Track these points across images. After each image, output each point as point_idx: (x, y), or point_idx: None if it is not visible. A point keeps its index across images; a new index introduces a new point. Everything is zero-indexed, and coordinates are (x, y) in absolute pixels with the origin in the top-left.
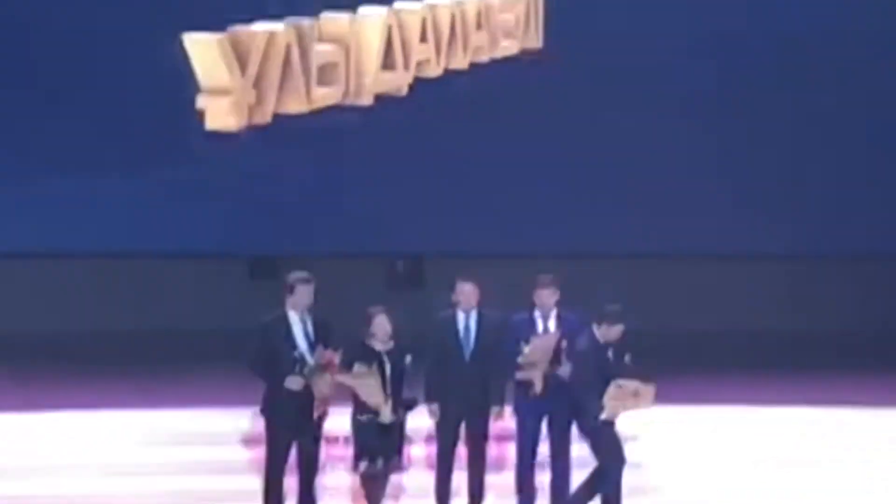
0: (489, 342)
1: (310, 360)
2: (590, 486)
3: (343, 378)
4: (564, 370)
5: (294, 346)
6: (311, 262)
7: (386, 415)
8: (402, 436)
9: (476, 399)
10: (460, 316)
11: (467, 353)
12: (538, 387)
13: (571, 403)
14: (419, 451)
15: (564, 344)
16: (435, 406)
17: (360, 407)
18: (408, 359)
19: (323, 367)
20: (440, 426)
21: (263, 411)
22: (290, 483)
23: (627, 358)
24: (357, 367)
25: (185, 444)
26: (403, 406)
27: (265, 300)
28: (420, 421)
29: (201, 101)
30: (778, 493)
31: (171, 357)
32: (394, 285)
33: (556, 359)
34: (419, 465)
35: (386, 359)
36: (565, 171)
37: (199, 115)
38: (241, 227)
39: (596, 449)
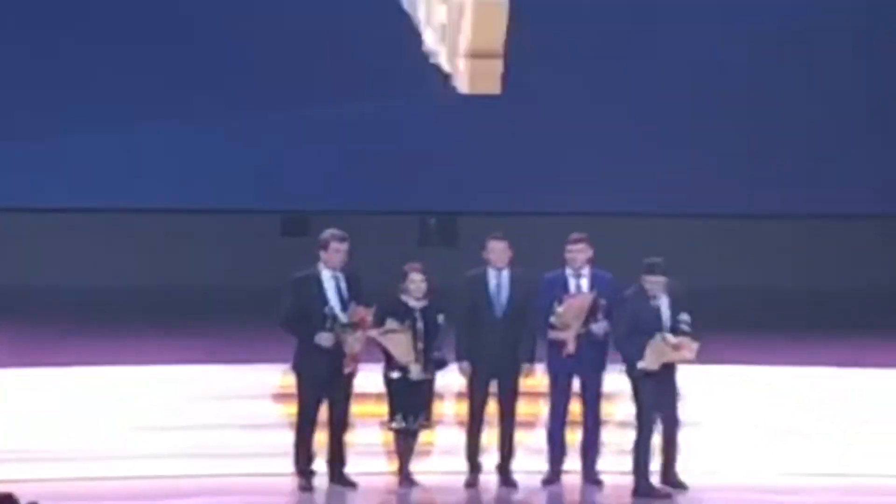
0: (521, 301)
1: (341, 316)
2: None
3: (374, 333)
4: (599, 328)
5: (325, 302)
6: (343, 219)
7: (416, 372)
8: (432, 393)
9: (507, 357)
10: (491, 274)
11: (499, 312)
12: (571, 346)
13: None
14: (449, 409)
15: (602, 301)
16: (466, 364)
17: (391, 363)
18: (440, 317)
19: (354, 324)
20: (471, 384)
21: (294, 368)
22: (321, 439)
23: (685, 317)
24: (389, 323)
25: (218, 399)
26: (434, 364)
27: (297, 257)
28: (450, 378)
29: (459, 63)
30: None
31: (202, 312)
32: (426, 242)
33: (590, 317)
34: (449, 423)
35: (419, 316)
36: (600, 128)
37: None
38: (274, 182)
39: (635, 399)
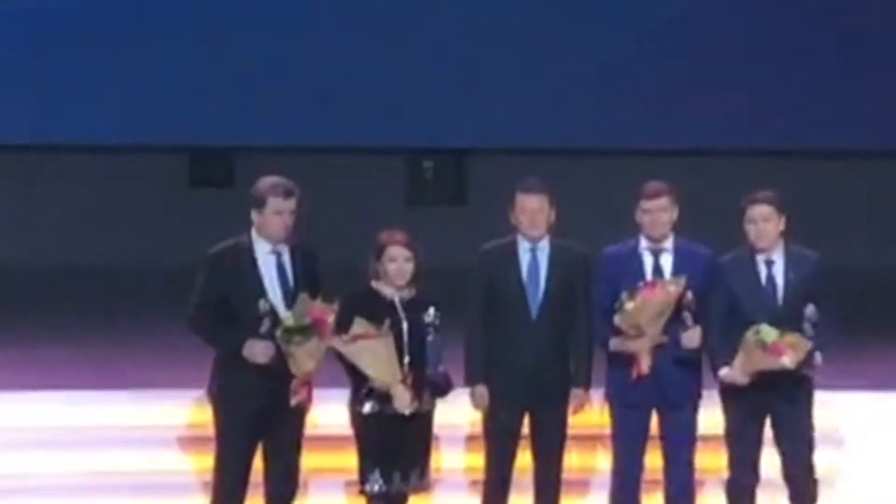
0: (568, 290)
1: (286, 316)
2: None
3: (337, 342)
4: (690, 337)
5: (261, 293)
6: (287, 160)
7: (403, 402)
8: (429, 436)
9: (547, 377)
10: (523, 248)
11: (534, 307)
12: (645, 364)
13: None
14: (456, 461)
15: (690, 296)
16: (482, 389)
17: (362, 389)
18: (431, 313)
19: (306, 328)
20: (490, 420)
21: (211, 395)
22: None
23: (811, 311)
24: (358, 325)
25: (85, 447)
26: (430, 388)
27: (214, 219)
28: (457, 413)
29: None
30: None
31: (61, 305)
32: (418, 197)
33: (676, 318)
34: (456, 483)
35: (403, 313)
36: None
37: None
38: (179, 108)
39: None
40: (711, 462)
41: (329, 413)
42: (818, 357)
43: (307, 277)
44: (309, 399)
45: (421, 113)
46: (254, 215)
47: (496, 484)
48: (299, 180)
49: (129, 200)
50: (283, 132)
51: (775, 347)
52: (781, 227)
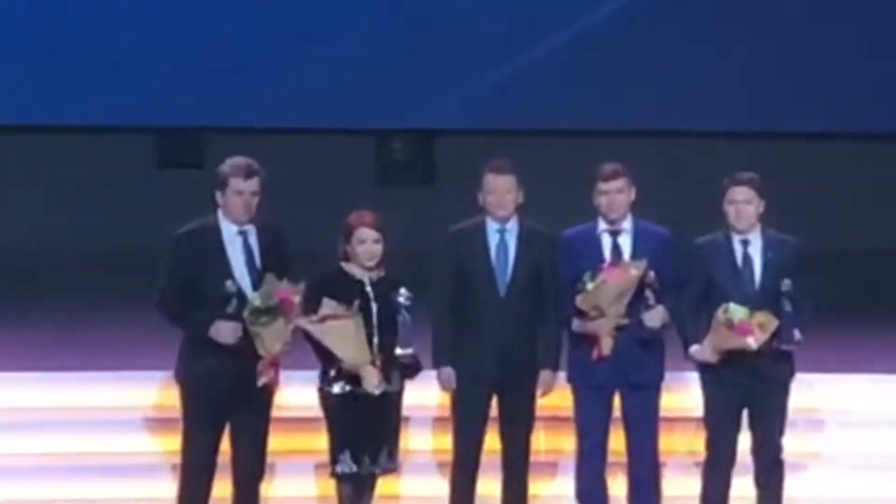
0: (536, 271)
1: (253, 297)
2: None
3: (304, 323)
4: (653, 317)
5: (227, 273)
6: (260, 142)
7: (372, 382)
8: (398, 417)
9: (515, 359)
10: (492, 228)
11: (502, 288)
12: (605, 346)
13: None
14: (425, 442)
15: (652, 276)
16: (449, 371)
17: (331, 370)
18: (403, 294)
19: (273, 309)
20: (459, 402)
21: (178, 376)
22: (222, 491)
23: (787, 285)
24: (326, 306)
25: (54, 429)
26: (399, 369)
27: (182, 201)
28: (427, 394)
29: None
30: None
31: (28, 288)
32: (388, 178)
33: (637, 298)
34: (426, 465)
35: (372, 293)
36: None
37: None
38: (145, 87)
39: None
40: (678, 444)
41: (298, 395)
42: (797, 334)
43: (274, 258)
44: (276, 380)
45: (390, 93)
46: (217, 196)
47: (465, 465)
48: (269, 161)
49: (97, 182)
50: (252, 113)
51: (742, 326)
52: (760, 209)
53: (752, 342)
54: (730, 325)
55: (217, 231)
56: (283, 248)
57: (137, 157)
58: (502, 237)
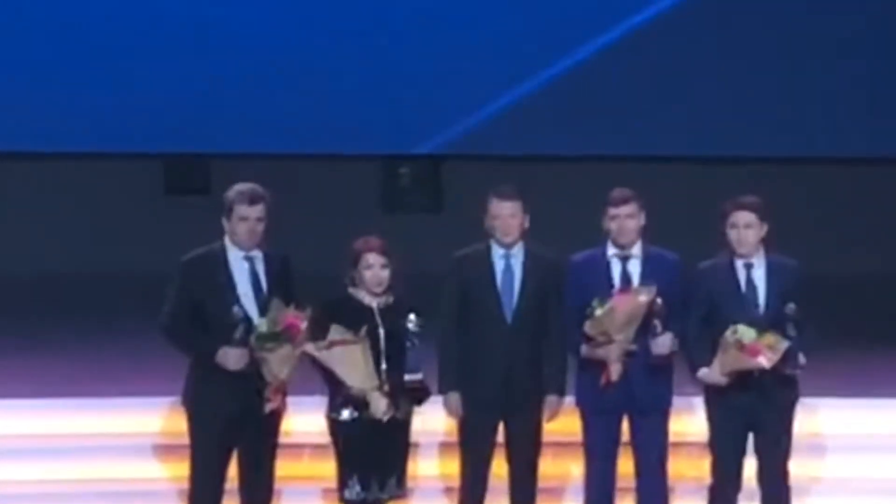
0: (542, 296)
1: (259, 323)
2: None
3: (312, 349)
4: (661, 343)
5: (234, 299)
6: (267, 167)
7: (380, 408)
8: (406, 443)
9: (522, 384)
10: (497, 254)
11: (509, 313)
12: (614, 372)
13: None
14: (432, 468)
15: (659, 303)
16: (455, 396)
17: (339, 397)
18: (412, 320)
19: (279, 334)
20: (465, 428)
21: (185, 402)
22: None
23: (791, 308)
24: (335, 332)
25: (59, 456)
26: (408, 394)
27: (190, 227)
28: (434, 420)
29: None
30: None
31: (30, 314)
32: (394, 204)
33: (647, 324)
34: (433, 490)
35: (380, 319)
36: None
37: None
38: (154, 114)
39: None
40: (685, 469)
41: (306, 421)
42: (801, 358)
43: (280, 284)
44: (283, 406)
45: (397, 120)
46: (224, 222)
47: (472, 490)
48: (275, 187)
49: (105, 208)
50: (259, 139)
51: (752, 347)
52: (763, 234)
53: (765, 361)
54: (740, 346)
55: (224, 257)
56: (289, 274)
57: (145, 183)
58: (507, 262)
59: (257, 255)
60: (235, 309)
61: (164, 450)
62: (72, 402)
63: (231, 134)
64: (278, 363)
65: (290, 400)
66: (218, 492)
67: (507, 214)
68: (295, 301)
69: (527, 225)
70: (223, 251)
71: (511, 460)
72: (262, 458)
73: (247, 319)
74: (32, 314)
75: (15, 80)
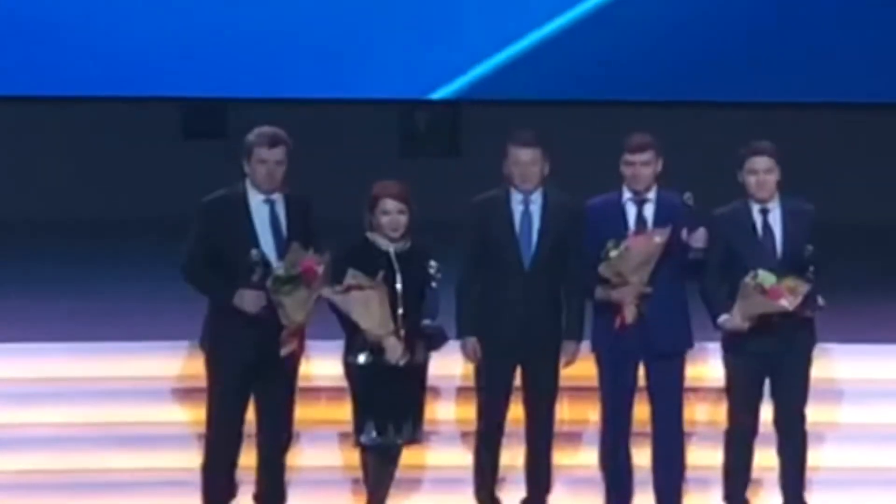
0: (561, 242)
1: (277, 266)
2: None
3: (329, 293)
4: (698, 237)
5: (253, 242)
6: (284, 112)
7: (395, 353)
8: (423, 388)
9: (539, 330)
10: (515, 199)
11: (527, 259)
12: (629, 314)
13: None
14: (449, 413)
15: (685, 233)
16: (473, 341)
17: (355, 341)
18: (432, 266)
19: (296, 278)
20: (483, 373)
21: (203, 345)
22: (248, 461)
23: (810, 251)
24: (352, 276)
25: (78, 401)
26: (424, 340)
27: (207, 171)
28: (451, 365)
29: None
30: None
31: (50, 256)
32: (412, 149)
33: (660, 268)
34: (450, 436)
35: (397, 265)
36: None
37: None
38: (171, 59)
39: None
40: (701, 414)
41: (324, 365)
42: (820, 299)
43: (300, 228)
44: (300, 349)
45: (414, 65)
46: (244, 165)
47: (488, 436)
48: (292, 131)
49: (123, 152)
50: (276, 84)
51: (774, 290)
52: (778, 178)
53: (787, 304)
54: (762, 290)
55: (244, 199)
56: (310, 218)
57: (163, 128)
58: (526, 208)
59: (277, 198)
60: (254, 252)
61: (183, 393)
62: (90, 346)
63: (248, 79)
64: (294, 307)
65: (309, 344)
66: (236, 434)
67: (527, 161)
68: (314, 244)
69: (546, 171)
70: (244, 194)
71: (528, 406)
72: (280, 402)
73: (264, 262)
74: (52, 258)
75: (33, 24)
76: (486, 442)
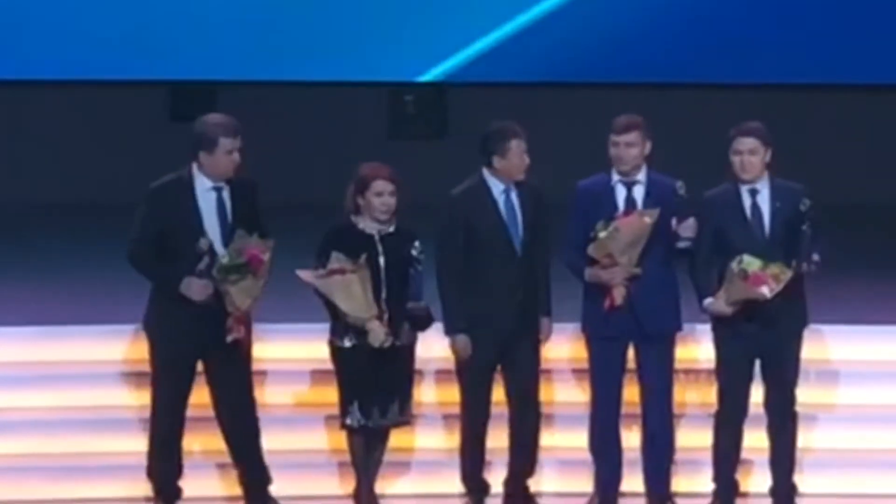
0: (540, 227)
1: (221, 253)
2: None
3: (309, 278)
4: (688, 227)
5: (199, 229)
6: (272, 95)
7: (378, 337)
8: (410, 370)
9: (528, 313)
10: (497, 189)
11: (518, 245)
12: (618, 295)
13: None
14: (436, 394)
15: (675, 223)
16: (464, 338)
17: (340, 324)
18: (416, 247)
19: (241, 266)
20: (472, 362)
21: (148, 328)
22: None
23: (805, 204)
24: (335, 260)
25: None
26: (410, 322)
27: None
28: (436, 346)
29: None
30: None
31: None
32: (400, 131)
33: (650, 248)
34: (436, 417)
35: (381, 248)
36: None
37: None
38: (160, 41)
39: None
40: (691, 396)
41: (308, 347)
42: (816, 256)
43: (246, 213)
44: (247, 336)
45: (402, 47)
46: (202, 155)
47: (475, 417)
48: (280, 114)
49: (110, 135)
50: (265, 66)
51: (756, 277)
52: (767, 159)
53: (767, 291)
54: (744, 276)
55: (191, 186)
56: (255, 203)
57: (151, 110)
58: (508, 196)
59: (224, 184)
60: (202, 241)
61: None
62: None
63: (237, 61)
64: (240, 295)
65: (293, 327)
66: (179, 418)
67: (516, 150)
68: (260, 229)
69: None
70: (191, 180)
71: (513, 386)
72: (234, 384)
73: (212, 251)
74: (34, 241)
75: (22, 7)
76: (474, 423)
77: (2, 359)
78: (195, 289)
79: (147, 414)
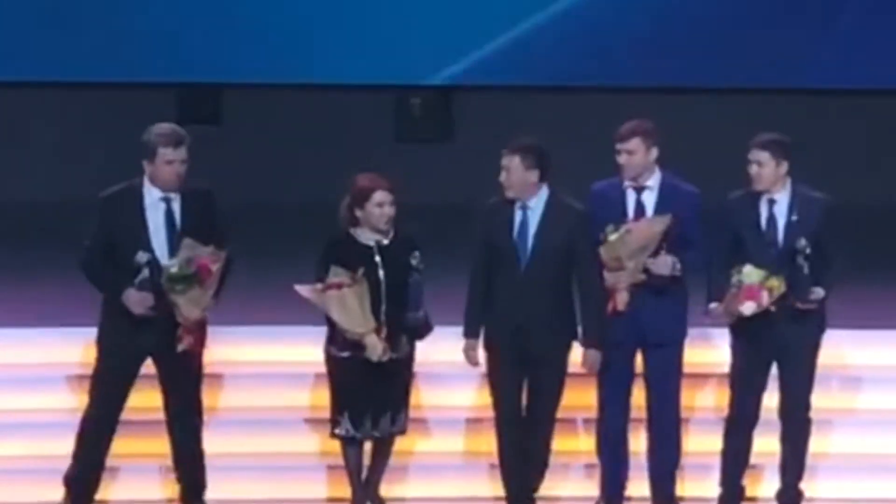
0: (564, 246)
1: (169, 262)
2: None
3: (306, 292)
4: (660, 264)
5: (144, 239)
6: (278, 97)
7: (375, 352)
8: (406, 381)
9: (538, 334)
10: (517, 204)
11: (523, 263)
12: (620, 300)
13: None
14: (440, 400)
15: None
16: (473, 342)
17: (337, 335)
18: (415, 256)
19: (190, 276)
20: (493, 374)
21: (98, 335)
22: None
23: (802, 244)
24: (334, 273)
25: None
26: (409, 332)
27: (202, 157)
28: (440, 352)
29: None
30: None
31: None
32: (406, 134)
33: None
34: (437, 420)
35: (379, 259)
36: None
37: None
38: (167, 45)
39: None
40: (701, 401)
41: (304, 352)
42: (818, 291)
43: (196, 224)
44: (200, 344)
45: (409, 50)
46: (145, 164)
47: (508, 421)
48: (286, 117)
49: (117, 138)
50: (271, 69)
51: (748, 290)
52: (783, 170)
53: (749, 309)
54: (738, 286)
55: (140, 196)
56: (213, 212)
57: (157, 113)
58: (524, 213)
59: (175, 195)
60: (140, 254)
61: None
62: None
63: (243, 64)
64: (188, 305)
65: (293, 328)
66: (110, 423)
67: (505, 168)
68: (217, 239)
69: (534, 179)
70: (140, 190)
71: (529, 410)
72: (183, 388)
73: (150, 264)
74: (34, 244)
75: (28, 8)
76: (506, 427)
77: (2, 359)
78: (133, 301)
79: (147, 415)
